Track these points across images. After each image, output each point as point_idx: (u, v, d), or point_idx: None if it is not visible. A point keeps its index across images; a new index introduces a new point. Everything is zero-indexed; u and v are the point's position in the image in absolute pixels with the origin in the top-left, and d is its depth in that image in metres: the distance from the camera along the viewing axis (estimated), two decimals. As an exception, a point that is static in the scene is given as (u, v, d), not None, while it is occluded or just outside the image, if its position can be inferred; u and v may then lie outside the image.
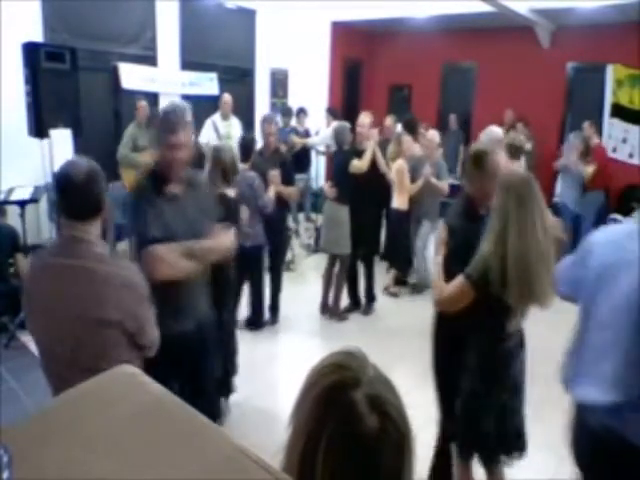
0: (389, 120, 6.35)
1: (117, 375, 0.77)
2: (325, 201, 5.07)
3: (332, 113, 7.84)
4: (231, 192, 3.55)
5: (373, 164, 5.05)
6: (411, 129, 5.73)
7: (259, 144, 4.84)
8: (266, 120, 4.91)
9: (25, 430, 0.67)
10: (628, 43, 7.13)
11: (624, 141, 7.76)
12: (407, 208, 5.44)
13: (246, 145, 4.51)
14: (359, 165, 4.84)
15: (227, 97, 6.60)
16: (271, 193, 4.41)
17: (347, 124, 5.12)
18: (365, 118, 5.07)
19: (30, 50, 4.17)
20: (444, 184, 5.50)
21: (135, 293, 1.80)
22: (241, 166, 4.25)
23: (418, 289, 5.76)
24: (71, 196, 1.82)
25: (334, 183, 4.93)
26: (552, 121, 8.47)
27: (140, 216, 2.32)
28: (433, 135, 5.59)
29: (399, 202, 5.40)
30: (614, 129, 7.87)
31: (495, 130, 4.54)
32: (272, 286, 4.95)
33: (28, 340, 4.19)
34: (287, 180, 4.70)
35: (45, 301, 1.76)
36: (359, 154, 4.90)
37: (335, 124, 5.36)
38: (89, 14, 6.35)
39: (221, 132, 6.40)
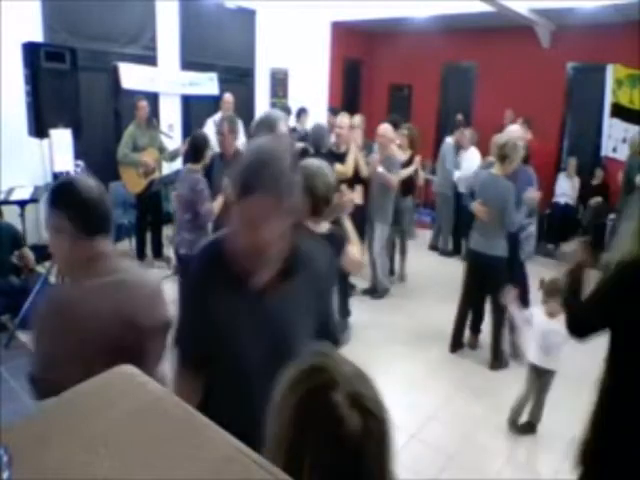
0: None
1: (117, 375, 0.77)
2: None
3: (334, 112, 7.79)
4: (323, 227, 2.53)
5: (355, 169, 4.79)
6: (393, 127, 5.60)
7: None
8: (225, 120, 4.51)
9: (25, 430, 0.67)
10: (628, 43, 7.13)
11: (624, 141, 7.75)
12: (362, 203, 4.96)
13: (198, 144, 4.16)
14: (343, 170, 4.49)
15: (228, 97, 6.60)
16: (216, 204, 3.89)
17: (324, 124, 4.85)
18: (344, 119, 4.83)
19: (30, 50, 4.17)
20: (393, 177, 5.10)
21: (163, 299, 1.83)
22: (189, 166, 4.03)
23: (375, 295, 5.53)
24: (92, 210, 1.65)
25: None
26: (552, 121, 8.47)
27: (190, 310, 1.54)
28: (385, 129, 5.27)
29: (355, 196, 5.06)
30: (614, 129, 7.86)
31: (516, 130, 4.39)
32: None
33: (28, 340, 4.20)
34: None
35: (102, 323, 1.58)
36: (339, 158, 4.57)
37: (312, 124, 5.03)
38: (89, 14, 6.36)
39: None
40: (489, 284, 4.15)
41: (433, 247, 7.31)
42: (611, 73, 7.74)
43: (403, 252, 6.12)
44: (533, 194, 4.06)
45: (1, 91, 5.49)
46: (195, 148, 4.10)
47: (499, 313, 4.09)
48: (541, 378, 3.29)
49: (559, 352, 3.20)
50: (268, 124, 2.41)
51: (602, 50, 7.67)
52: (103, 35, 6.55)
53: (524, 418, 3.40)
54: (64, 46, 4.57)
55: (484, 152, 8.57)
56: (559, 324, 3.18)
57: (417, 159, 5.89)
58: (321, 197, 2.39)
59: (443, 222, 7.22)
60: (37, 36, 5.71)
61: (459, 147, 7.17)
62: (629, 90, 7.63)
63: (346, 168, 4.58)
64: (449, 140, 7.14)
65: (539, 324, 3.25)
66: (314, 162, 2.54)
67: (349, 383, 0.83)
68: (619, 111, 7.76)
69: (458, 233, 7.10)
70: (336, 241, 2.50)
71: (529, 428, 3.36)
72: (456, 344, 4.48)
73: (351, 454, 0.79)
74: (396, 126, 5.79)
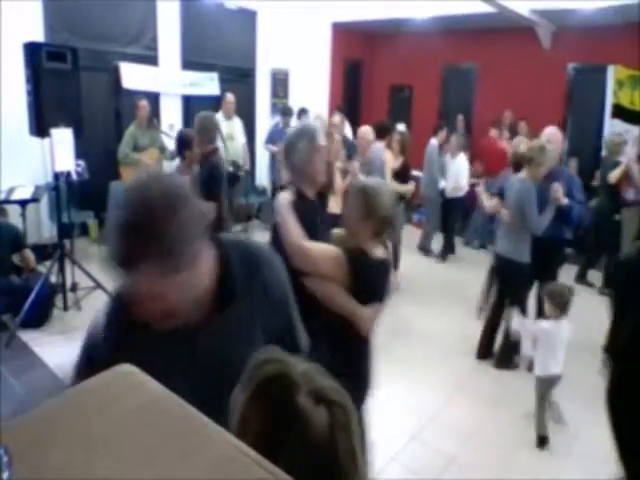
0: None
1: (117, 374, 0.77)
2: None
3: (343, 111, 7.68)
4: (380, 252, 2.29)
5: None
6: (381, 133, 5.43)
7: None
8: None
9: (25, 430, 0.67)
10: (629, 44, 7.13)
11: (625, 142, 7.75)
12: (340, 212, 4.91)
13: (186, 139, 4.00)
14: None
15: (230, 97, 6.59)
16: None
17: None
18: (336, 118, 4.81)
19: (31, 50, 4.17)
20: None
21: None
22: (179, 164, 3.92)
23: None
24: None
25: None
26: (553, 122, 8.42)
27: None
28: (365, 132, 5.16)
29: (331, 204, 4.93)
30: (615, 130, 7.85)
31: (551, 133, 4.28)
32: None
33: (29, 339, 4.21)
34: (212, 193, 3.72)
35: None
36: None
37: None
38: (90, 14, 6.36)
39: (224, 132, 6.40)
40: (506, 287, 4.10)
41: (421, 248, 7.20)
42: (612, 74, 7.73)
43: (395, 259, 5.88)
44: (556, 192, 3.85)
45: (2, 91, 5.49)
46: (178, 145, 4.06)
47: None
48: (551, 386, 3.29)
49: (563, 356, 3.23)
50: (309, 136, 2.31)
51: (603, 51, 7.67)
52: (104, 35, 6.56)
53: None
54: (65, 46, 4.57)
55: (482, 154, 8.58)
56: (561, 329, 3.21)
57: (411, 185, 5.70)
58: (384, 218, 2.21)
59: (429, 224, 7.14)
60: (38, 36, 5.71)
61: (442, 148, 6.99)
62: (630, 91, 7.63)
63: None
64: (433, 141, 6.91)
65: (549, 334, 3.24)
66: (373, 181, 2.45)
67: (308, 380, 0.82)
68: (620, 112, 7.75)
69: (449, 235, 7.05)
70: (388, 266, 2.35)
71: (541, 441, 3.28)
72: (486, 352, 4.30)
73: (324, 450, 0.78)
74: (387, 131, 5.61)
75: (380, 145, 5.36)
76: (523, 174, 3.92)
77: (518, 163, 4.13)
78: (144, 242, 1.00)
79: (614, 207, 6.13)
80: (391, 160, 5.47)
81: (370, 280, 2.17)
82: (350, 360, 2.21)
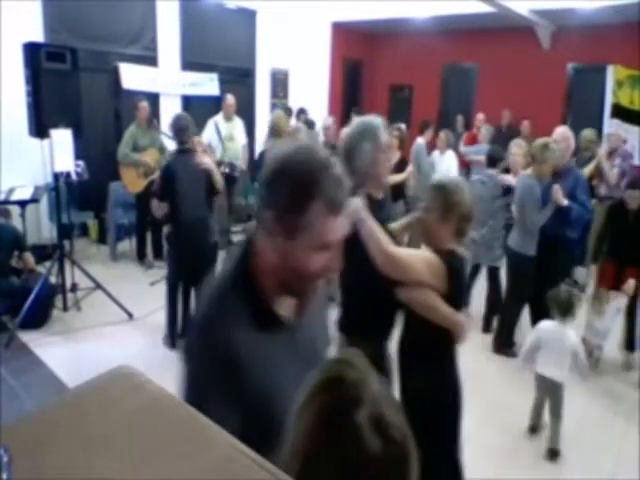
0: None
1: (117, 375, 0.77)
2: None
3: (359, 114, 7.55)
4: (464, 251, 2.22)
5: None
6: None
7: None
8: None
9: (25, 430, 0.67)
10: (628, 44, 7.14)
11: (624, 142, 7.75)
12: None
13: (184, 126, 4.10)
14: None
15: (230, 99, 6.58)
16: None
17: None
18: (328, 119, 4.74)
19: (31, 50, 4.17)
20: None
21: None
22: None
23: None
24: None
25: None
26: (552, 122, 8.45)
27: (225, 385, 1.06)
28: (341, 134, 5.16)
29: None
30: (614, 130, 7.85)
31: (560, 132, 4.31)
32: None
33: (28, 340, 4.21)
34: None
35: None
36: None
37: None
38: (90, 14, 6.37)
39: (223, 133, 6.40)
40: (512, 279, 4.21)
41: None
42: (611, 74, 7.74)
43: None
44: (556, 193, 3.90)
45: (2, 91, 5.49)
46: (180, 131, 4.09)
47: (506, 306, 4.24)
48: (550, 391, 3.21)
49: (568, 364, 3.15)
50: (371, 136, 2.13)
51: (602, 51, 7.68)
52: (104, 35, 6.56)
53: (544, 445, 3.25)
54: (65, 46, 4.57)
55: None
56: (566, 336, 3.14)
57: (409, 169, 5.66)
58: (467, 215, 2.12)
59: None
60: (38, 36, 5.72)
61: (432, 148, 6.78)
62: (629, 91, 7.63)
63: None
64: (420, 141, 6.59)
65: (549, 338, 3.20)
66: (449, 179, 2.33)
67: (374, 403, 0.76)
68: (619, 112, 7.75)
69: None
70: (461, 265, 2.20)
71: (551, 455, 3.16)
72: (508, 343, 4.30)
73: (365, 477, 0.74)
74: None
75: None
76: (529, 171, 4.05)
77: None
78: (345, 185, 1.04)
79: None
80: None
81: (464, 283, 2.12)
82: (444, 374, 2.14)
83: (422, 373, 2.13)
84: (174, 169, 4.10)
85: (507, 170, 4.92)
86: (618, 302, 4.10)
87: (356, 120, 2.28)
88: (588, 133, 6.47)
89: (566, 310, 3.17)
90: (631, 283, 3.90)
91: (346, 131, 2.34)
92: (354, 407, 0.75)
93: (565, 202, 3.89)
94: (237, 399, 1.01)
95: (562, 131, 4.32)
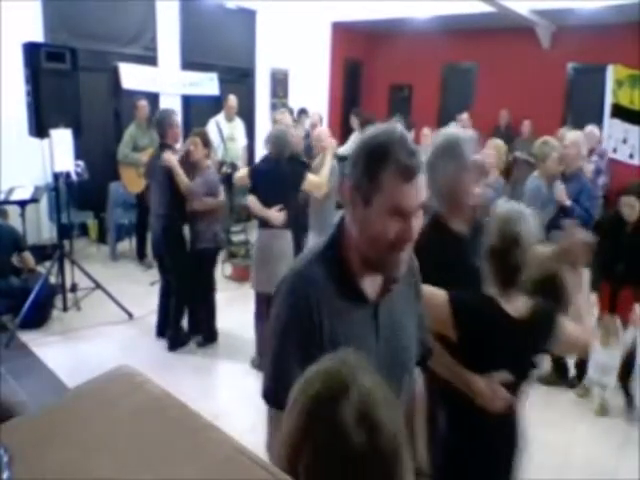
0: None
1: (117, 375, 0.77)
2: (259, 229, 3.85)
3: (358, 115, 7.47)
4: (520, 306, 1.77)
5: None
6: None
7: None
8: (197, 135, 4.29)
9: (25, 430, 0.67)
10: (628, 43, 7.13)
11: (624, 141, 7.75)
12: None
13: (159, 120, 4.21)
14: (317, 182, 3.90)
15: (232, 100, 6.57)
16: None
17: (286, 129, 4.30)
18: (315, 116, 4.61)
19: (30, 50, 4.17)
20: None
21: None
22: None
23: None
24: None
25: (276, 204, 3.72)
26: (552, 122, 8.46)
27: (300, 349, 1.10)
28: (320, 133, 4.79)
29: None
30: (614, 129, 7.85)
31: (573, 136, 4.26)
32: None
33: (28, 340, 4.21)
34: None
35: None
36: (308, 167, 4.04)
37: (276, 128, 4.33)
38: (89, 14, 6.36)
39: (225, 134, 6.40)
40: None
41: None
42: (611, 74, 7.73)
43: None
44: (558, 191, 3.89)
45: (1, 91, 5.49)
46: (209, 144, 4.18)
47: None
48: None
49: None
50: (455, 151, 1.77)
51: (602, 51, 7.67)
52: (103, 35, 6.56)
53: None
54: (64, 46, 4.56)
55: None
56: None
57: None
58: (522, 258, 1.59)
59: None
60: (38, 36, 5.71)
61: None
62: (629, 90, 7.63)
63: (320, 179, 3.94)
64: None
65: None
66: (510, 205, 1.70)
67: (362, 395, 0.77)
68: (619, 112, 7.75)
69: None
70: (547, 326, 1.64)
71: None
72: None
73: (351, 470, 0.75)
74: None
75: None
76: (536, 173, 4.09)
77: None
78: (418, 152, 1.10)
79: None
80: None
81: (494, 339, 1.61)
82: (474, 435, 1.68)
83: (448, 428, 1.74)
84: (150, 165, 4.23)
85: None
86: (633, 332, 3.42)
87: (439, 132, 1.96)
88: (565, 130, 6.54)
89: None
90: (638, 311, 3.36)
91: (352, 139, 2.03)
92: (338, 399, 0.76)
93: (568, 202, 3.88)
94: (313, 352, 1.01)
95: (573, 137, 4.25)
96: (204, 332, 4.30)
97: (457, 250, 1.74)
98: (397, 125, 1.13)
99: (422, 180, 1.09)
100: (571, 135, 4.33)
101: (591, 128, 6.05)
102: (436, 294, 1.62)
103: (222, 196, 4.25)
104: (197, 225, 4.08)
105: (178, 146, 4.30)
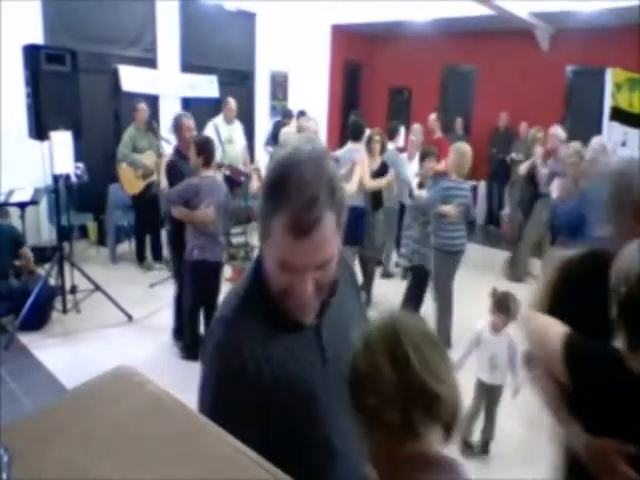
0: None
1: (117, 375, 0.77)
2: None
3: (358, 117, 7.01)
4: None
5: None
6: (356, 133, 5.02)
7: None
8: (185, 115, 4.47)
9: (25, 430, 0.67)
10: (627, 46, 7.15)
11: (623, 144, 7.76)
12: None
13: (208, 148, 3.89)
14: (348, 188, 4.00)
15: (233, 103, 6.58)
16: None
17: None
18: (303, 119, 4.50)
19: (30, 52, 4.17)
20: None
21: None
22: (207, 173, 3.84)
23: None
24: None
25: None
26: (551, 124, 8.48)
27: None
28: (285, 133, 4.85)
29: None
30: (613, 132, 7.87)
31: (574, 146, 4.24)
32: None
33: (28, 342, 4.20)
34: None
35: None
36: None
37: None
38: (89, 16, 6.37)
39: (223, 136, 6.40)
40: None
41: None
42: (610, 76, 7.74)
43: (368, 275, 5.25)
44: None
45: (1, 93, 5.50)
46: (207, 152, 3.86)
47: None
48: (489, 394, 3.13)
49: (505, 367, 3.07)
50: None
51: (601, 53, 7.69)
52: (103, 37, 6.57)
53: (476, 437, 3.18)
54: (64, 48, 4.57)
55: (482, 156, 8.57)
56: (504, 338, 3.06)
57: (391, 171, 5.29)
58: None
59: (387, 238, 6.08)
60: (38, 38, 5.72)
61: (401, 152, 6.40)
62: (628, 93, 7.64)
63: (351, 185, 4.08)
64: (391, 147, 6.01)
65: (485, 339, 3.12)
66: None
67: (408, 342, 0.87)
68: (618, 114, 7.76)
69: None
70: None
71: (483, 447, 3.15)
72: None
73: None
74: (360, 130, 5.13)
75: (354, 145, 4.93)
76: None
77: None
78: (327, 186, 0.93)
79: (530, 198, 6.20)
80: (366, 160, 4.95)
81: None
82: None
83: None
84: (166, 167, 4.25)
85: None
86: None
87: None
88: (535, 131, 6.59)
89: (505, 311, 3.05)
90: None
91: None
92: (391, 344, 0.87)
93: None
94: (257, 402, 0.97)
95: (574, 146, 4.26)
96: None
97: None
98: (318, 152, 0.97)
99: (322, 236, 0.92)
100: (573, 144, 4.33)
101: (556, 128, 5.88)
102: (554, 330, 1.38)
103: (206, 210, 3.80)
104: (183, 234, 3.93)
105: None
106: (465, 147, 4.36)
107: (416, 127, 6.81)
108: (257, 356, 0.98)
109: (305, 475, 0.76)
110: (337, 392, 0.96)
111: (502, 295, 3.12)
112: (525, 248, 6.15)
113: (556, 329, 1.37)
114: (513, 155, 7.60)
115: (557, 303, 1.38)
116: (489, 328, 3.13)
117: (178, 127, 4.25)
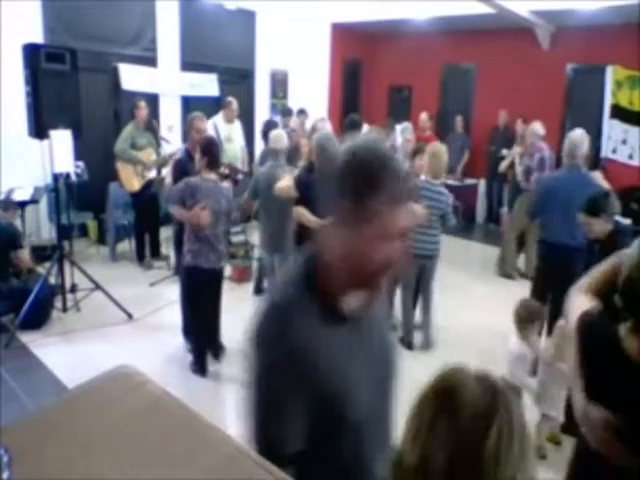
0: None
1: (117, 375, 0.77)
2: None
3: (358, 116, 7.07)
4: None
5: None
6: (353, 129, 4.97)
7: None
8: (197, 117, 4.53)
9: (25, 430, 0.67)
10: (627, 44, 7.14)
11: (624, 142, 7.77)
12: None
13: (214, 150, 3.78)
14: (284, 186, 3.91)
15: (234, 103, 6.57)
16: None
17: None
18: (295, 121, 4.56)
19: (30, 51, 4.17)
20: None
21: None
22: (207, 175, 3.71)
23: None
24: None
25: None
26: (552, 122, 8.46)
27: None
28: (277, 135, 4.72)
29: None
30: (613, 130, 7.87)
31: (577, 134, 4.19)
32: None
33: (28, 341, 4.20)
34: None
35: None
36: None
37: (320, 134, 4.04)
38: (89, 15, 6.37)
39: (222, 135, 6.39)
40: None
41: None
42: (611, 74, 7.75)
43: None
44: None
45: (1, 92, 5.49)
46: (211, 154, 3.74)
47: None
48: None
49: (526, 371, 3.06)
50: None
51: (602, 51, 7.68)
52: (103, 36, 6.56)
53: None
54: (64, 47, 4.57)
55: (481, 154, 8.58)
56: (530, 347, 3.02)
57: None
58: None
59: None
60: (37, 37, 5.72)
61: None
62: (629, 91, 7.64)
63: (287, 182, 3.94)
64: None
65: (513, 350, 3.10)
66: None
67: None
68: (618, 112, 7.77)
69: None
70: None
71: None
72: None
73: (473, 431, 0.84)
74: (357, 126, 5.23)
75: None
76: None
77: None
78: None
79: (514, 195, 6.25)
80: None
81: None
82: None
83: None
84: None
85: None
86: None
87: None
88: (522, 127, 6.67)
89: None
90: None
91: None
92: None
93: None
94: (303, 388, 1.04)
95: (575, 134, 4.22)
96: (211, 349, 4.09)
97: None
98: (382, 143, 1.15)
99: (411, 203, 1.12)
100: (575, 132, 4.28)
101: (535, 124, 5.84)
102: (581, 307, 1.52)
103: (199, 212, 3.60)
104: (180, 234, 3.82)
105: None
106: (439, 148, 4.28)
107: (406, 125, 6.82)
108: (306, 344, 1.06)
109: (342, 455, 1.09)
110: (375, 384, 1.14)
111: (523, 308, 3.09)
112: (508, 245, 6.17)
113: (584, 306, 1.52)
114: (504, 152, 7.61)
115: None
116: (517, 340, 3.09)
117: (189, 127, 4.29)
